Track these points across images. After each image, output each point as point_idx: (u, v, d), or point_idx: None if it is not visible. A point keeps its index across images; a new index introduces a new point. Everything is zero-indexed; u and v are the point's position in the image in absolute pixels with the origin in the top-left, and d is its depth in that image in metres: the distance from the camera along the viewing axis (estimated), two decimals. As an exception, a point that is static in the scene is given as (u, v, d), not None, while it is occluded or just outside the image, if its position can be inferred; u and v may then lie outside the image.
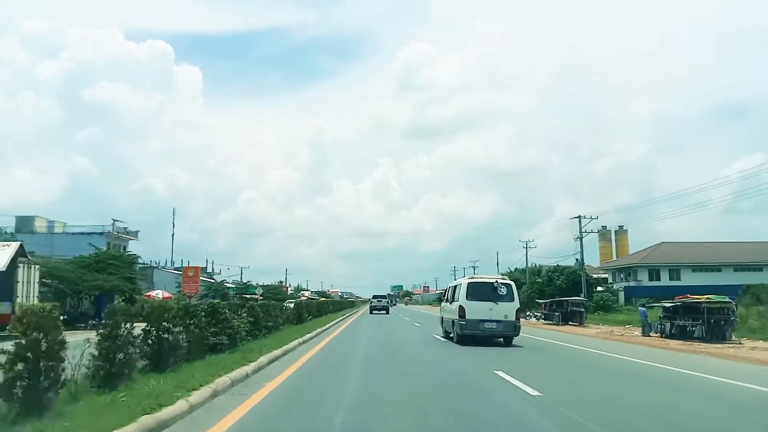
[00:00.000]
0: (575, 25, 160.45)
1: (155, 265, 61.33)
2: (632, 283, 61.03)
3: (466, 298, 17.52)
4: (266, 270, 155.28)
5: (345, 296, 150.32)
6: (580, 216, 47.55)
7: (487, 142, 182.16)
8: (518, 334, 17.97)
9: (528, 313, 42.97)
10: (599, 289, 60.28)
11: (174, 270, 65.06)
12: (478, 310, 17.25)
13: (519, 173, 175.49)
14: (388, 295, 69.19)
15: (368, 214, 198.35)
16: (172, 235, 74.87)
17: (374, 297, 57.44)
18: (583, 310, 35.46)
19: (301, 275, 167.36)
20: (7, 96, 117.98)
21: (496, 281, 18.06)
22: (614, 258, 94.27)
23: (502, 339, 17.84)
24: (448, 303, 20.54)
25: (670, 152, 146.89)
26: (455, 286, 20.05)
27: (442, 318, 21.39)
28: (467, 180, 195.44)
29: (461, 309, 17.52)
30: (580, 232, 47.91)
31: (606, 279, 72.51)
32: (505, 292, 17.55)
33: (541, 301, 41.33)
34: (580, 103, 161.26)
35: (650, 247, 65.47)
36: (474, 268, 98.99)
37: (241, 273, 79.65)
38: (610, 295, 54.22)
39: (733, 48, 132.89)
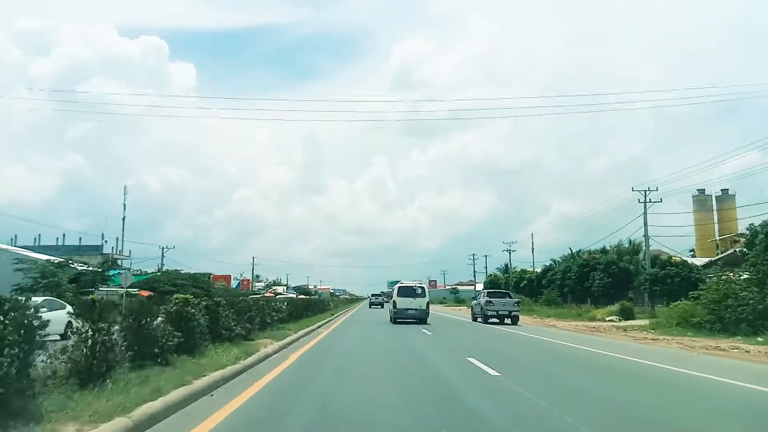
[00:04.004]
0: (573, 21, 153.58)
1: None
2: None
3: (397, 295, 27.52)
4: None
5: (338, 293, 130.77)
6: None
7: (484, 139, 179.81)
8: (428, 316, 27.39)
9: None
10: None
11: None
12: (404, 302, 27.02)
13: (517, 171, 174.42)
14: (382, 292, 79.29)
15: (364, 211, 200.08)
16: (123, 219, 54.57)
17: (372, 295, 75.36)
18: None
19: (296, 272, 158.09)
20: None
21: (415, 285, 28.80)
22: (717, 236, 65.89)
23: (420, 320, 26.64)
24: (389, 299, 34.30)
25: (668, 149, 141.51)
26: (393, 288, 30.33)
27: (389, 309, 30.22)
28: (464, 177, 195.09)
29: (394, 302, 27.53)
30: None
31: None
32: (420, 292, 27.63)
33: None
34: (577, 100, 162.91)
35: None
36: (510, 252, 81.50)
37: (162, 256, 51.25)
38: None
39: (732, 45, 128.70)
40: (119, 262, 50.47)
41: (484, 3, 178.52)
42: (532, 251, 78.95)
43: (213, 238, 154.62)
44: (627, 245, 48.46)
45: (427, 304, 27.39)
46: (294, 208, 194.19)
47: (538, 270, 65.42)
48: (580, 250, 61.47)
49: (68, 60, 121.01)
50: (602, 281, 40.62)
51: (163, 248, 53.29)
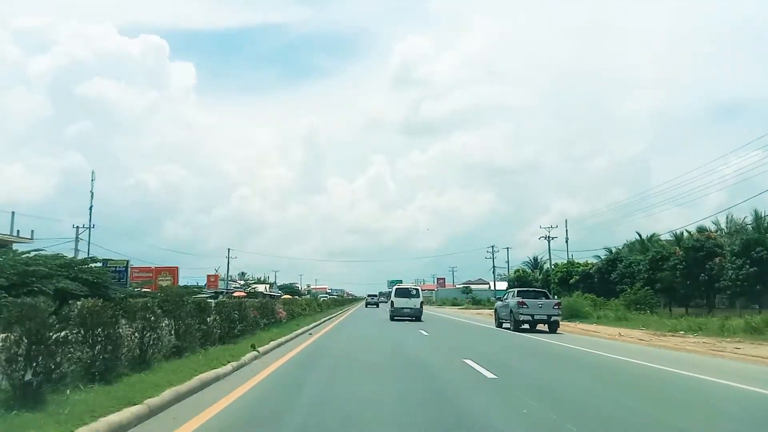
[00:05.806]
0: (574, 20, 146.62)
1: None
2: None
3: (395, 296, 31.64)
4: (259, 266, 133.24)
5: (335, 294, 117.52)
6: None
7: (484, 139, 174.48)
8: (422, 314, 30.87)
9: None
10: None
11: None
12: (400, 302, 30.90)
13: (517, 170, 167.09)
14: (380, 293, 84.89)
15: (364, 211, 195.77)
16: (90, 208, 43.73)
17: (369, 295, 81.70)
18: None
19: (295, 271, 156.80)
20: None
21: (410, 287, 34.27)
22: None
23: (415, 317, 30.29)
24: (387, 299, 40.47)
25: (668, 150, 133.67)
26: (392, 290, 35.61)
27: (388, 308, 34.00)
28: (465, 176, 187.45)
29: (392, 302, 31.46)
30: None
31: None
32: (414, 293, 31.88)
33: None
34: (577, 100, 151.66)
35: None
36: (549, 239, 66.18)
37: (76, 239, 35.82)
38: None
39: (732, 45, 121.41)
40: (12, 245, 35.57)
41: (484, 2, 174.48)
42: (566, 241, 63.41)
43: (211, 237, 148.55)
44: (742, 220, 33.38)
45: (421, 303, 31.61)
46: (293, 208, 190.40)
47: (591, 261, 50.65)
48: (653, 234, 46.50)
49: (67, 59, 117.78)
50: (741, 271, 25.43)
51: (77, 228, 37.80)
